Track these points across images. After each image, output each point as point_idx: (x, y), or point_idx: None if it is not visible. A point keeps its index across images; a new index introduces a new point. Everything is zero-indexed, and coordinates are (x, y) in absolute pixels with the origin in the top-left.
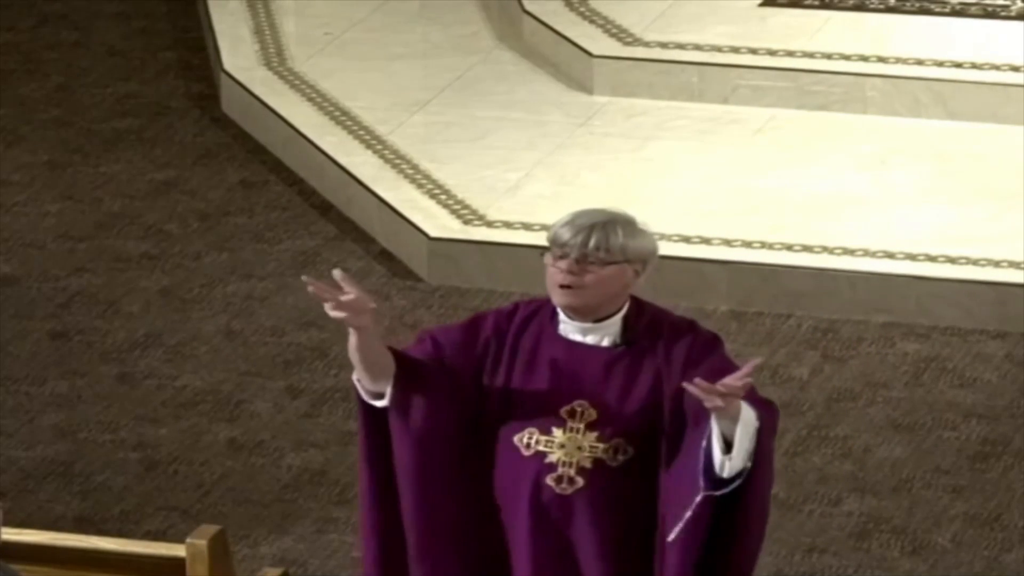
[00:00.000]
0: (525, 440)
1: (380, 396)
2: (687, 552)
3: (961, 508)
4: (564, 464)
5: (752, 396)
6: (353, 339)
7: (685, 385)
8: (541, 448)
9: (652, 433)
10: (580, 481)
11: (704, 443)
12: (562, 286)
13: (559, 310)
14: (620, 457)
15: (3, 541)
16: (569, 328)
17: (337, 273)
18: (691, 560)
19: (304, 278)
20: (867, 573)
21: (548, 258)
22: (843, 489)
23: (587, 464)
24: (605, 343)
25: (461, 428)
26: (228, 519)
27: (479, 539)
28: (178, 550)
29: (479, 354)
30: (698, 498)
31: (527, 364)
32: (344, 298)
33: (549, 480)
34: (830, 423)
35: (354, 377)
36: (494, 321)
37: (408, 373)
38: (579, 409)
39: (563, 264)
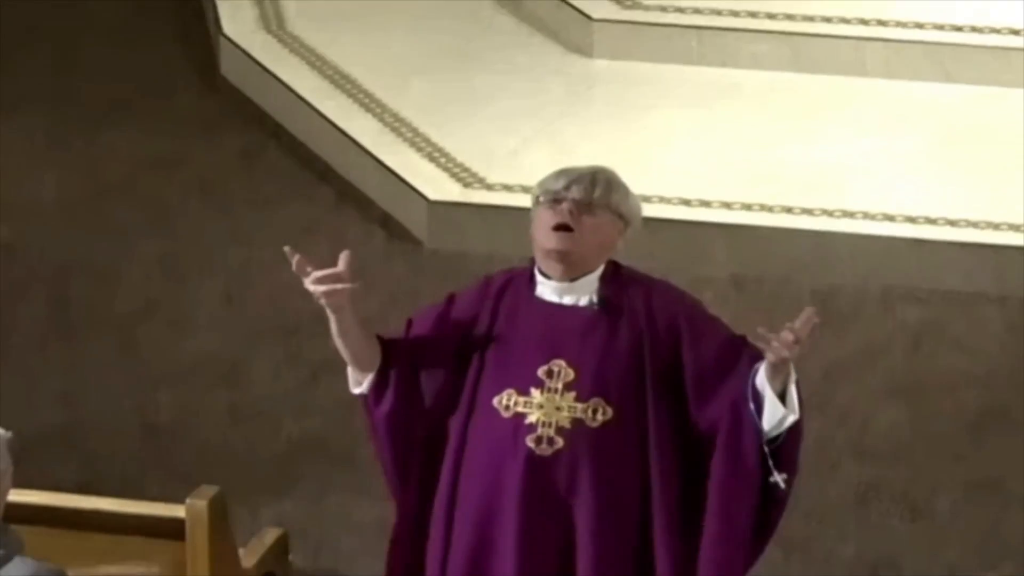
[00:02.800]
0: (504, 402)
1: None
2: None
3: (960, 474)
4: (543, 425)
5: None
6: (333, 323)
7: (754, 341)
8: (520, 409)
9: (633, 393)
10: (560, 442)
11: (752, 404)
12: (558, 227)
13: (536, 272)
14: (599, 417)
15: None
16: (546, 289)
17: (344, 253)
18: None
19: (286, 249)
20: (866, 540)
21: (540, 208)
22: (842, 456)
23: (566, 424)
24: (582, 303)
25: (438, 409)
26: (228, 484)
27: (465, 503)
28: (178, 511)
29: (458, 329)
30: (767, 450)
31: (505, 327)
32: (320, 273)
33: (529, 441)
34: (829, 389)
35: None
36: (469, 295)
37: (387, 365)
38: (556, 369)
39: (563, 206)
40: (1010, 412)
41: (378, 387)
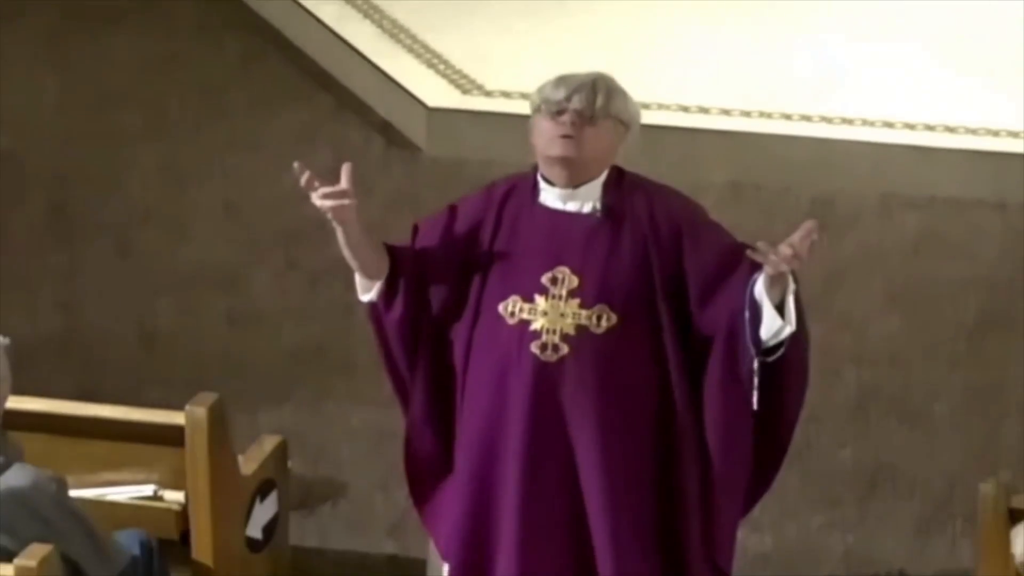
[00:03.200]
0: (509, 308)
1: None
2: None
3: (959, 380)
4: (548, 332)
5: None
6: (339, 235)
7: (749, 254)
8: (525, 316)
9: (637, 299)
10: (564, 348)
11: (747, 313)
12: (563, 136)
13: (539, 179)
14: (604, 324)
15: (4, 410)
16: (550, 196)
17: (345, 166)
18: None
19: (296, 165)
20: (864, 444)
21: (540, 117)
22: (841, 361)
23: (571, 331)
24: (586, 210)
25: (446, 316)
26: (227, 391)
27: (471, 410)
28: (177, 418)
29: (463, 236)
30: (755, 365)
31: (509, 234)
32: (326, 189)
33: (534, 348)
34: (829, 295)
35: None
36: (474, 202)
37: (396, 271)
38: (560, 276)
39: (565, 117)
40: (1009, 318)
41: (387, 294)
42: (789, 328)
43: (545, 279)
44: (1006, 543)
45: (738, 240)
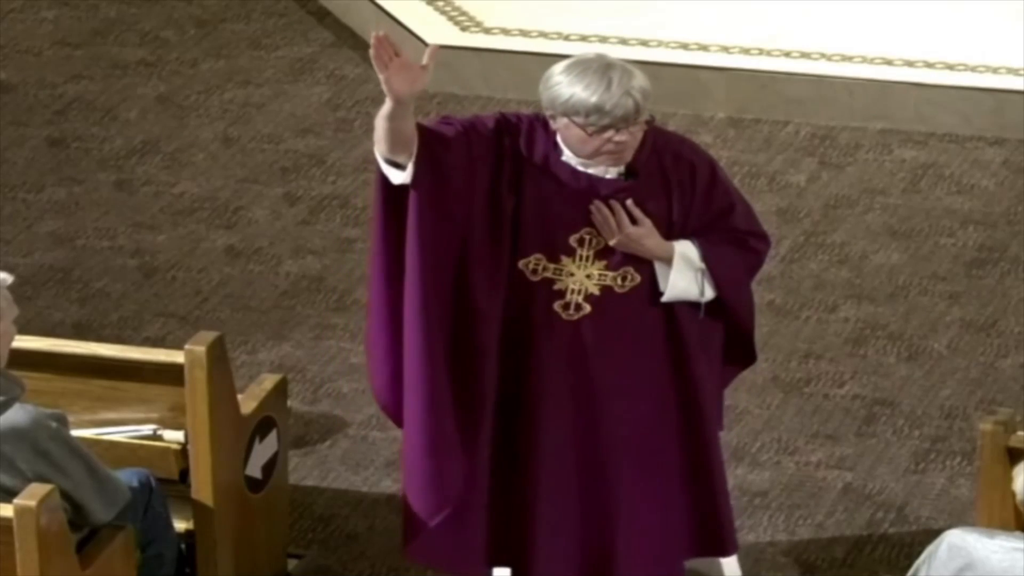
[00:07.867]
0: (531, 266)
1: (396, 166)
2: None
3: (957, 314)
4: (572, 292)
5: (732, 234)
6: (388, 107)
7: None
8: (549, 275)
9: None
10: (587, 307)
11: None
12: (613, 153)
13: (560, 142)
14: (627, 284)
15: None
16: (572, 158)
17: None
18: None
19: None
20: (863, 379)
21: (579, 129)
22: (840, 295)
23: (595, 291)
24: (609, 176)
25: (471, 211)
26: (226, 326)
27: (492, 364)
28: (177, 356)
29: (495, 145)
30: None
31: (536, 187)
32: (400, 61)
33: (556, 307)
34: (827, 229)
35: (376, 151)
36: (496, 124)
37: (431, 149)
38: (588, 237)
39: (619, 136)
40: (1007, 251)
41: (424, 173)
42: (673, 293)
43: (573, 240)
44: (1006, 481)
45: (734, 207)
